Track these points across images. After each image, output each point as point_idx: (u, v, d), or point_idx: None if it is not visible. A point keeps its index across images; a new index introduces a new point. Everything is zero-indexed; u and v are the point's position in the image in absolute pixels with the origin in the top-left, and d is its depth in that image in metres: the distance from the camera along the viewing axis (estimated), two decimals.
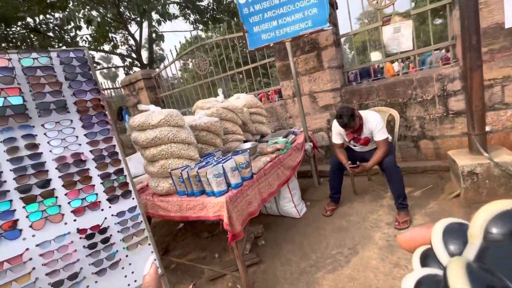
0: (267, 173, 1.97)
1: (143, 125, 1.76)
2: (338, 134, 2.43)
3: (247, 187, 1.71)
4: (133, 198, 1.30)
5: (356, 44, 20.76)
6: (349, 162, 2.22)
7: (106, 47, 9.61)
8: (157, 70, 5.09)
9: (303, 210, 2.63)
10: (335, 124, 2.44)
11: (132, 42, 10.35)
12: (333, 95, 3.25)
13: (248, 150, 1.78)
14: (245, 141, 2.52)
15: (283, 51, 3.38)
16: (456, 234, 0.20)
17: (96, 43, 8.87)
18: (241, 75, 4.66)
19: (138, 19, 8.70)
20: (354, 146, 2.44)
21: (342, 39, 3.30)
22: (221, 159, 1.75)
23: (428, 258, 0.21)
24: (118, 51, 10.27)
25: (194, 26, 10.71)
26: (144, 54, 11.65)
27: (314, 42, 3.16)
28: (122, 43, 10.63)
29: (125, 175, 1.29)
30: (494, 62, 2.37)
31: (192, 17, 10.39)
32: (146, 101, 5.13)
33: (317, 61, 3.23)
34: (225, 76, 4.22)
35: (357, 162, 2.15)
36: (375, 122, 2.19)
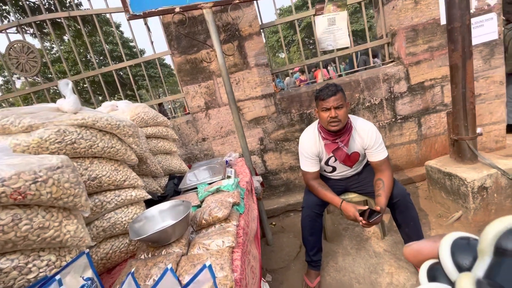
0: None
1: None
2: (311, 157, 1.48)
3: None
4: None
5: (270, 43, 20.43)
6: (361, 209, 1.27)
7: None
8: None
9: None
10: (306, 138, 1.51)
11: None
12: (265, 104, 2.34)
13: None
14: (151, 202, 1.10)
15: (184, 38, 2.19)
16: (465, 249, 0.19)
17: None
18: (99, 94, 2.90)
19: None
20: (331, 169, 1.57)
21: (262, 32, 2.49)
22: None
23: (436, 272, 0.20)
24: None
25: (19, 28, 7.14)
26: None
27: (233, 27, 2.17)
28: None
29: None
30: (434, 60, 2.20)
31: (14, 17, 6.94)
32: None
33: (239, 55, 2.24)
34: (77, 81, 2.46)
35: (376, 207, 1.24)
36: (373, 132, 1.40)
